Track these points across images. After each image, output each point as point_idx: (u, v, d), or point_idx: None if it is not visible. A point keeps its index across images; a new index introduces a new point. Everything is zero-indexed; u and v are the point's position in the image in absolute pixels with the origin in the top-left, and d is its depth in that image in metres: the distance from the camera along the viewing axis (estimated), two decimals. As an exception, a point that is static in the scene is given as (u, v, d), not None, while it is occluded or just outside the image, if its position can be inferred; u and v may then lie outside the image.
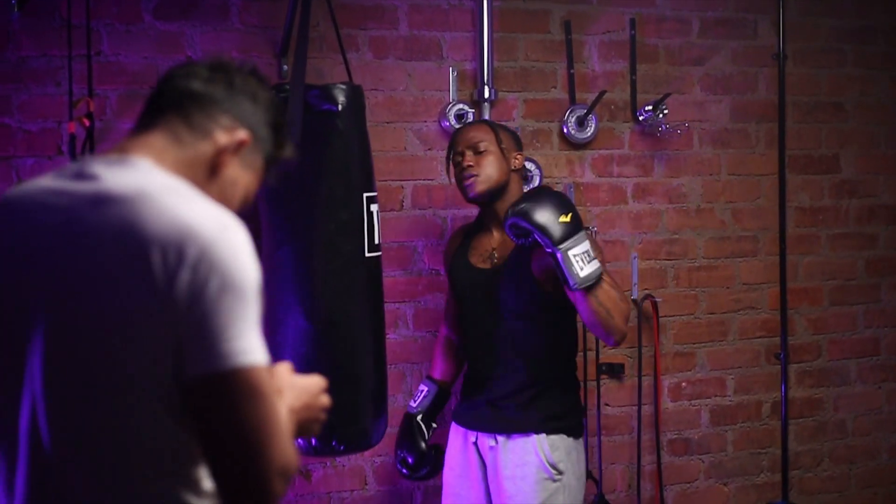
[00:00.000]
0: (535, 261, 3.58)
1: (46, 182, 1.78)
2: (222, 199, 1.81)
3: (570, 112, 4.46)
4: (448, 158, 3.81)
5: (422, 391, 3.87)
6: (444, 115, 4.26)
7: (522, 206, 3.38)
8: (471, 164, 3.67)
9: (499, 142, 3.71)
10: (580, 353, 4.41)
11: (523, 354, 3.66)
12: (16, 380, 1.70)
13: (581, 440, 3.73)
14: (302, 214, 3.44)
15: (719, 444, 4.79)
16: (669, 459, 4.69)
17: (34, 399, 1.68)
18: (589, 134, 4.49)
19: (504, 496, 3.63)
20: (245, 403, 1.63)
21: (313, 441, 3.42)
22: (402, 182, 4.26)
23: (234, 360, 1.62)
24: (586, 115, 4.45)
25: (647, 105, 4.54)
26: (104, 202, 1.67)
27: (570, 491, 3.64)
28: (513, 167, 3.73)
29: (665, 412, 4.67)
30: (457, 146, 3.75)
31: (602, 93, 4.39)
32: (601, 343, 4.49)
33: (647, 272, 4.64)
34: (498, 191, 3.69)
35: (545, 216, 3.35)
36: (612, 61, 4.57)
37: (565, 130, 4.47)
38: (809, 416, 4.95)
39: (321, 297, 3.42)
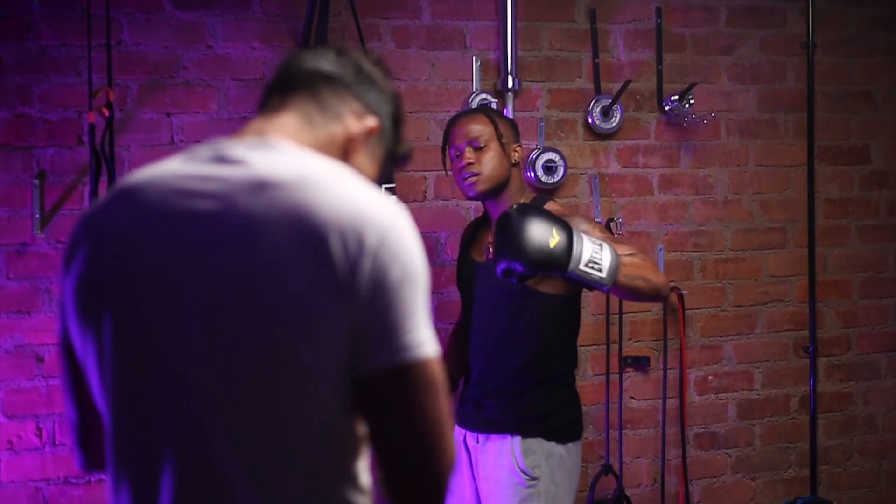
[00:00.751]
0: None
1: (178, 166, 1.67)
2: None
3: (595, 102, 4.42)
4: (444, 150, 3.64)
5: None
6: (467, 104, 4.23)
7: (505, 257, 3.07)
8: (471, 161, 3.49)
9: (499, 136, 3.53)
10: (604, 346, 4.40)
11: (507, 352, 3.52)
12: (165, 383, 1.60)
13: (570, 444, 3.51)
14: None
15: (746, 439, 4.73)
16: (695, 454, 4.64)
17: (189, 403, 1.59)
18: (614, 124, 4.45)
19: (483, 497, 3.55)
20: (424, 396, 1.57)
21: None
22: (425, 173, 4.23)
23: (415, 353, 1.56)
24: (611, 105, 4.41)
25: (674, 95, 4.49)
26: (266, 187, 1.58)
27: (546, 497, 3.44)
28: (513, 161, 3.58)
29: (691, 406, 4.62)
30: (454, 140, 3.56)
31: (627, 82, 4.34)
32: (626, 336, 4.45)
33: (674, 264, 4.59)
34: (499, 188, 3.53)
35: (537, 253, 3.03)
36: (638, 50, 4.52)
37: (590, 121, 4.43)
38: (838, 410, 4.88)
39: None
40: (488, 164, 3.49)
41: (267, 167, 1.61)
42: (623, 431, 4.48)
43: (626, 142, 4.51)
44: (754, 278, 4.72)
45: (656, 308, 4.54)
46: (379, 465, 1.62)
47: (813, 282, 4.77)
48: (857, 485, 4.92)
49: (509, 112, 4.26)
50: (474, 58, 4.27)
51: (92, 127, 3.64)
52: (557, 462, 3.47)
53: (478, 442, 3.56)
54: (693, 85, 4.47)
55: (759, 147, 4.72)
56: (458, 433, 3.62)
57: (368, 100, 1.79)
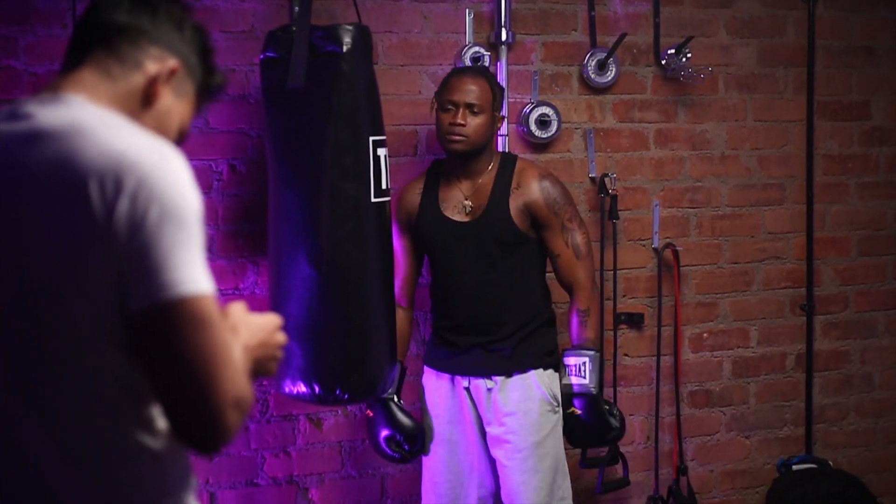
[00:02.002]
0: (512, 204, 3.75)
1: None
2: (159, 129, 1.78)
3: (591, 55, 4.36)
4: (438, 95, 3.80)
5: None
6: (459, 58, 4.17)
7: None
8: (463, 122, 3.70)
9: (494, 107, 3.77)
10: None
11: (512, 298, 3.80)
12: None
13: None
14: (306, 158, 3.38)
15: (741, 397, 4.71)
16: (689, 411, 4.62)
17: None
18: (610, 78, 4.39)
19: (507, 432, 3.74)
20: (191, 333, 1.58)
21: (317, 389, 3.38)
22: (417, 126, 4.18)
23: (178, 290, 1.57)
24: (607, 58, 4.35)
25: (671, 49, 4.43)
26: (38, 139, 1.64)
27: (561, 422, 3.83)
28: (496, 129, 3.87)
29: (685, 363, 4.59)
30: (453, 94, 3.73)
31: (623, 35, 4.29)
32: (620, 293, 4.43)
33: (669, 220, 4.55)
34: (476, 151, 3.77)
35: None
36: (635, 3, 4.46)
37: (585, 74, 4.37)
38: (835, 368, 4.86)
39: (325, 242, 3.36)
40: (477, 130, 3.72)
41: (45, 120, 1.66)
42: (617, 389, 4.44)
43: (622, 96, 4.45)
44: (751, 235, 4.68)
45: (651, 265, 4.51)
46: (160, 405, 1.65)
47: (811, 239, 4.73)
48: (852, 444, 4.90)
49: (503, 66, 4.20)
50: (467, 10, 4.20)
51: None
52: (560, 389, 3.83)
53: (495, 384, 3.78)
54: (690, 38, 4.40)
55: (758, 102, 4.66)
56: (458, 382, 3.82)
57: (167, 42, 1.82)
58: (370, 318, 3.46)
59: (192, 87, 1.87)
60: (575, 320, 3.82)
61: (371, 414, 3.74)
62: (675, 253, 4.49)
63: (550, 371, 3.82)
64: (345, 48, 3.35)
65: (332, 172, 3.36)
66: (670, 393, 4.56)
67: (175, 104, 1.83)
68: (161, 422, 1.69)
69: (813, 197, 4.73)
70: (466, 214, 3.79)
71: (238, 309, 1.86)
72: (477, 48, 4.17)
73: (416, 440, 3.74)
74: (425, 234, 3.82)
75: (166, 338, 1.59)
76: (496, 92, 3.80)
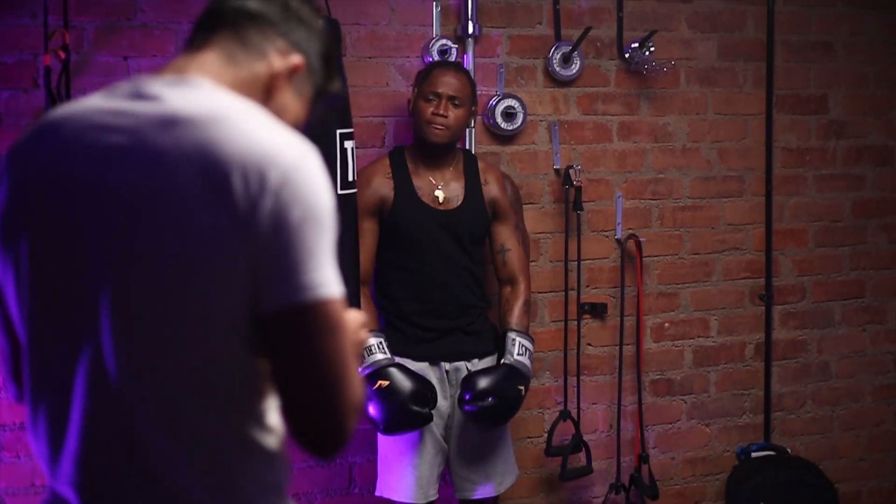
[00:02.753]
0: (486, 198, 3.97)
1: (98, 102, 1.68)
2: None
3: (556, 49, 4.41)
4: (418, 86, 3.90)
5: (377, 342, 3.77)
6: (427, 50, 4.20)
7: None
8: (445, 114, 3.83)
9: (472, 101, 3.93)
10: (562, 293, 4.43)
11: (476, 284, 3.99)
12: (75, 316, 1.62)
13: None
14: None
15: (702, 385, 4.78)
16: (651, 400, 4.69)
17: (98, 336, 1.60)
18: (574, 71, 4.44)
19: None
20: (325, 337, 1.56)
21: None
22: (384, 118, 4.21)
23: (316, 293, 1.55)
24: (572, 51, 4.39)
25: (634, 42, 4.49)
26: (174, 124, 1.59)
27: None
28: (469, 124, 4.07)
29: (647, 353, 4.66)
30: (437, 85, 3.85)
31: (588, 29, 4.33)
32: (584, 283, 4.48)
33: (632, 211, 4.60)
34: (452, 143, 3.94)
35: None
36: (599, -3, 4.51)
37: (550, 67, 4.41)
38: (793, 357, 4.93)
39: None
40: (457, 121, 3.87)
41: (179, 104, 1.62)
42: (580, 378, 4.50)
43: (586, 89, 4.51)
44: (711, 226, 4.75)
45: (614, 255, 4.56)
46: (283, 404, 1.62)
47: (769, 230, 4.80)
48: (809, 431, 4.98)
49: (469, 58, 4.25)
50: (434, 3, 4.24)
51: (48, 70, 3.60)
52: None
53: (472, 365, 3.94)
54: (653, 33, 4.45)
55: (718, 95, 4.73)
56: (441, 366, 3.92)
57: (294, 37, 1.79)
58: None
59: (311, 88, 1.82)
60: (517, 309, 3.98)
61: (386, 382, 3.71)
62: (638, 244, 4.55)
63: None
64: (315, 41, 3.37)
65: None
66: (632, 382, 4.62)
67: (292, 102, 1.79)
68: (272, 418, 1.67)
69: (772, 189, 4.79)
70: (440, 203, 3.89)
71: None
72: (444, 41, 4.21)
73: (434, 391, 3.77)
74: (402, 220, 3.87)
75: (300, 340, 1.56)
76: (473, 88, 3.96)
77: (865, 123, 4.97)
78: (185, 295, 1.56)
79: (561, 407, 4.46)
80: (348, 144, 3.49)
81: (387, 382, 3.71)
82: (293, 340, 1.57)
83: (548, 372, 4.50)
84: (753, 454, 4.74)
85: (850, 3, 4.90)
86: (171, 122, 1.59)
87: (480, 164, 4.03)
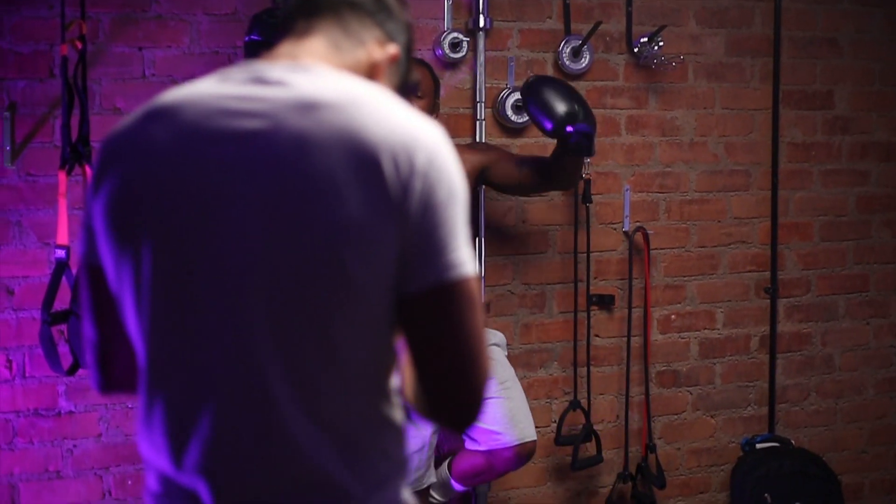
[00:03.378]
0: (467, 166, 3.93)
1: (216, 87, 1.66)
2: None
3: (566, 43, 4.44)
4: None
5: None
6: (438, 43, 4.24)
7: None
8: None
9: (436, 93, 3.87)
10: (571, 284, 4.47)
11: None
12: (213, 304, 1.60)
13: None
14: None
15: (707, 377, 4.82)
16: (658, 391, 4.72)
17: (239, 320, 1.58)
18: (584, 65, 4.47)
19: None
20: (468, 313, 1.60)
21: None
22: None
23: (461, 270, 1.59)
24: (581, 46, 4.43)
25: (643, 37, 4.52)
26: (314, 107, 1.59)
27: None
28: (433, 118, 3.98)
29: (654, 344, 4.70)
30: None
31: (597, 24, 4.36)
32: (592, 275, 4.51)
33: (639, 204, 4.64)
34: None
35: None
36: (608, -8, 4.55)
37: (560, 61, 4.45)
38: (797, 350, 4.97)
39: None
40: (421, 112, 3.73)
41: (311, 88, 1.61)
42: (589, 369, 4.54)
43: (595, 83, 4.54)
44: (718, 220, 4.78)
45: (622, 247, 4.60)
46: (420, 383, 1.64)
47: (775, 224, 4.84)
48: (813, 423, 5.02)
49: (480, 51, 4.28)
50: (446, -4, 4.28)
51: (65, 59, 3.62)
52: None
53: None
54: (662, 27, 4.49)
55: (726, 90, 4.76)
56: None
57: (389, 28, 1.81)
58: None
59: (398, 79, 1.85)
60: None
61: None
62: (646, 236, 4.58)
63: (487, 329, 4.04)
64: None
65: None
66: (639, 373, 4.66)
67: (387, 89, 1.78)
68: (396, 395, 1.68)
69: (777, 183, 4.83)
70: None
71: None
72: (455, 34, 4.23)
73: None
74: None
75: (447, 316, 1.59)
76: (436, 81, 3.91)
77: (870, 119, 5.01)
78: (337, 277, 1.56)
79: (569, 397, 4.50)
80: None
81: None
82: (439, 317, 1.60)
83: (556, 363, 4.53)
84: (758, 445, 4.78)
85: (856, 1, 4.94)
86: (309, 106, 1.59)
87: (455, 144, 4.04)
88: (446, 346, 1.61)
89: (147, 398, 1.66)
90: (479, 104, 4.32)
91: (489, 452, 3.93)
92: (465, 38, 4.25)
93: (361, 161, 1.55)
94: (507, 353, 4.12)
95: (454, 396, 1.64)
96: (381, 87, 1.70)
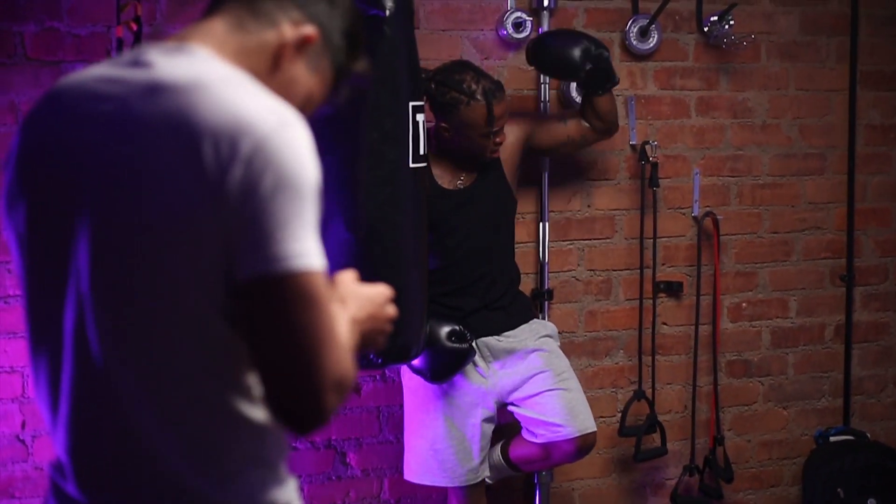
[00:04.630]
0: (504, 160, 3.91)
1: (101, 70, 1.69)
2: (282, 96, 1.69)
3: (633, 22, 4.34)
4: (479, 121, 3.73)
5: None
6: (501, 23, 4.16)
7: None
8: (502, 142, 3.83)
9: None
10: (637, 271, 4.39)
11: (503, 260, 3.98)
12: (62, 279, 1.63)
13: None
14: (345, 122, 3.36)
15: (779, 367, 4.69)
16: (727, 381, 4.61)
17: (80, 300, 1.61)
18: (652, 45, 4.37)
19: (539, 364, 3.87)
20: (298, 310, 1.52)
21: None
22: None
23: (288, 264, 1.52)
24: (649, 25, 4.32)
25: (713, 16, 4.40)
26: (157, 91, 1.58)
27: None
28: None
29: (724, 333, 4.58)
30: (498, 117, 3.75)
31: (666, 2, 4.25)
32: (659, 261, 4.42)
33: (709, 189, 4.53)
34: None
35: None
36: (678, -31, 4.43)
37: (627, 41, 4.35)
38: (874, 340, 4.83)
39: (363, 206, 3.35)
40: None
41: (167, 71, 1.61)
42: (655, 357, 4.45)
43: (664, 63, 4.43)
44: (791, 205, 4.65)
45: (690, 233, 4.49)
46: (260, 379, 1.60)
47: (851, 209, 4.70)
48: (890, 416, 4.88)
49: (544, 31, 4.18)
50: (510, -25, 4.19)
51: (120, 41, 3.60)
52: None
53: (501, 339, 3.90)
54: (733, 5, 4.37)
55: (800, 71, 4.62)
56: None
57: (312, 10, 1.75)
58: (406, 282, 3.45)
59: (330, 64, 1.79)
60: None
61: None
62: (716, 221, 4.47)
63: (538, 319, 4.09)
64: (388, 12, 3.33)
65: (372, 136, 3.34)
66: (708, 362, 4.55)
67: (305, 76, 1.75)
68: (259, 389, 1.64)
69: (854, 167, 4.70)
70: (458, 185, 3.88)
71: (347, 279, 1.82)
72: (519, 13, 4.15)
73: (466, 326, 3.75)
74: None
75: (271, 312, 1.53)
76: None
77: (953, 100, 4.84)
78: (158, 263, 1.56)
79: (635, 387, 4.40)
80: (419, 117, 3.45)
81: None
82: (264, 312, 1.54)
83: (621, 351, 4.44)
84: (832, 438, 4.66)
85: (939, -24, 4.77)
86: (154, 90, 1.59)
87: None
88: (275, 342, 1.55)
89: (33, 366, 1.74)
90: (543, 85, 4.24)
91: (548, 444, 3.87)
92: (528, 18, 4.17)
93: (183, 145, 1.54)
94: (559, 344, 4.04)
95: (287, 397, 1.58)
96: (240, 73, 1.66)
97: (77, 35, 3.81)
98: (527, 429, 3.90)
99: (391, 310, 1.84)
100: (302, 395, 1.56)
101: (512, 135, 3.91)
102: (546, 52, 3.92)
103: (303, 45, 1.74)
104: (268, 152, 1.52)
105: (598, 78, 3.87)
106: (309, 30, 1.73)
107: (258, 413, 1.64)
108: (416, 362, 3.68)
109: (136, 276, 1.57)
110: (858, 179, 4.71)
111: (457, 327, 3.69)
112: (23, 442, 3.87)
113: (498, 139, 3.77)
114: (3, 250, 3.73)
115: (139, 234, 1.56)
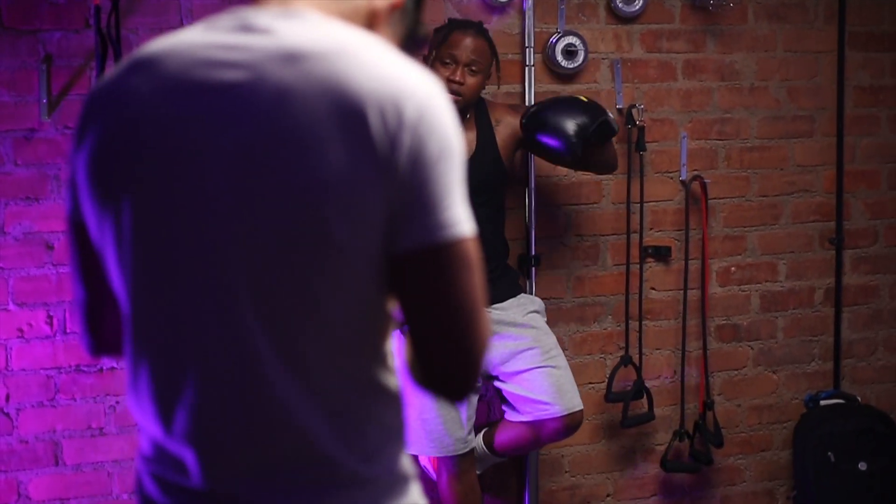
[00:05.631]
0: (499, 141, 3.89)
1: (200, 36, 1.58)
2: None
3: (618, -16, 4.30)
4: (435, 47, 3.77)
5: None
6: (486, -13, 4.13)
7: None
8: (461, 81, 3.73)
9: (488, 70, 3.84)
10: (624, 236, 4.35)
11: (493, 236, 3.93)
12: (195, 267, 1.54)
13: None
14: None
15: (769, 331, 4.67)
16: (716, 346, 4.59)
17: (220, 285, 1.52)
18: (637, 7, 4.33)
19: (527, 341, 3.87)
20: (464, 275, 1.51)
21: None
22: (441, 57, 4.13)
23: (455, 230, 1.50)
24: (635, -13, 4.28)
25: (700, -23, 4.36)
26: (298, 58, 1.50)
27: None
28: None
29: (713, 297, 4.56)
30: (455, 49, 3.74)
31: (651, -36, 4.21)
32: (647, 225, 4.39)
33: (697, 152, 4.49)
34: (465, 109, 3.82)
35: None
36: (663, -69, 4.39)
37: (613, 4, 4.31)
38: (864, 303, 4.81)
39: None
40: (472, 89, 3.79)
41: (296, 37, 1.53)
42: (642, 322, 4.42)
43: (650, 26, 4.39)
44: (780, 168, 4.62)
45: (678, 197, 4.46)
46: (414, 347, 1.57)
47: (840, 172, 4.68)
48: (880, 379, 4.87)
49: (529, -6, 4.16)
50: (493, -62, 4.14)
51: (98, 9, 3.56)
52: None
53: (491, 311, 3.83)
54: (720, -34, 4.32)
55: (788, 32, 4.58)
56: None
57: None
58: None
59: (403, 29, 1.76)
60: None
61: None
62: (703, 185, 4.44)
63: (525, 294, 4.07)
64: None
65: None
66: (697, 327, 4.53)
67: (388, 40, 1.71)
68: (393, 359, 1.62)
69: (843, 129, 4.67)
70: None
71: None
72: (502, -24, 4.11)
73: None
74: None
75: (438, 279, 1.51)
76: (494, 53, 3.87)
77: (943, 60, 4.81)
78: (319, 235, 1.49)
79: (622, 352, 4.38)
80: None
81: None
82: (431, 280, 1.52)
83: (609, 316, 4.42)
84: (822, 402, 4.64)
85: (928, -65, 4.73)
86: (292, 57, 1.51)
87: (489, 106, 3.95)
88: (439, 310, 1.52)
89: (132, 361, 1.61)
90: (528, 49, 4.19)
91: (535, 423, 3.87)
92: (513, -19, 4.13)
93: (346, 114, 1.47)
94: (545, 319, 4.02)
95: (448, 364, 1.56)
96: (376, 37, 1.61)
97: (55, 3, 3.77)
98: (513, 406, 3.89)
99: None
100: (463, 358, 1.55)
101: (512, 126, 3.91)
102: (539, 133, 3.78)
103: (391, 10, 1.71)
104: (431, 118, 1.50)
105: (599, 138, 3.79)
106: None
107: (394, 382, 1.62)
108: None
109: (294, 252, 1.50)
110: (847, 141, 4.67)
111: None
112: (7, 415, 3.84)
113: (451, 75, 3.71)
114: (-18, 222, 3.69)
115: (297, 205, 1.49)
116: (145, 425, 1.63)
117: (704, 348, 4.50)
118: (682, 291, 4.48)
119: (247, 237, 1.50)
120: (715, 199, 4.52)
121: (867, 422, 4.56)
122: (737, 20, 4.50)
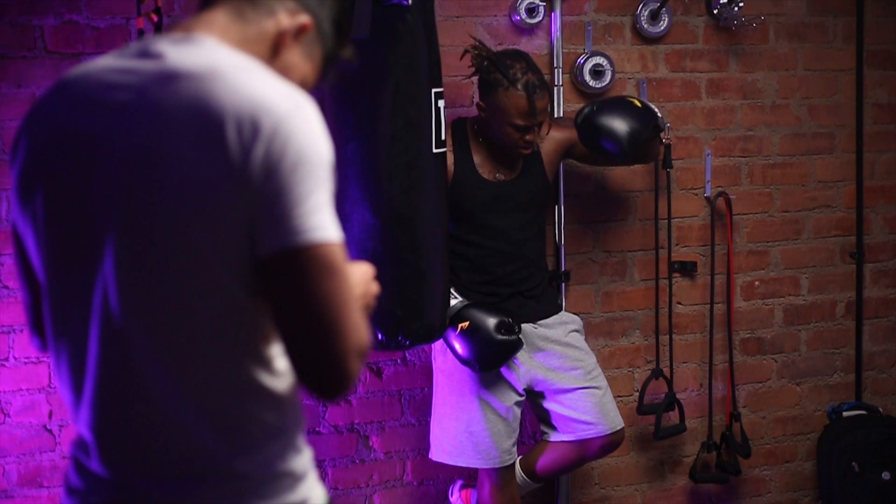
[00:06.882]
0: (545, 158, 3.97)
1: (109, 61, 1.75)
2: None
3: (643, 6, 4.37)
4: (509, 109, 3.73)
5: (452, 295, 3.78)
6: (514, 9, 4.20)
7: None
8: (534, 140, 3.79)
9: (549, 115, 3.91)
10: (652, 251, 4.43)
11: (537, 253, 4.04)
12: (86, 265, 1.69)
13: None
14: (370, 110, 3.40)
15: (792, 344, 4.74)
16: (741, 359, 4.65)
17: (105, 283, 1.67)
18: (662, 28, 4.40)
19: (570, 360, 3.95)
20: (320, 280, 1.60)
21: (380, 336, 3.43)
22: (473, 78, 4.18)
23: (308, 236, 1.59)
24: (660, 8, 4.36)
25: (722, -2, 4.44)
26: (173, 79, 1.65)
27: None
28: None
29: (738, 311, 4.63)
30: (534, 117, 3.72)
31: (676, -15, 4.29)
32: (673, 241, 4.46)
33: (721, 169, 4.56)
34: None
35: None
36: (687, -47, 4.46)
37: (638, 24, 4.38)
38: (885, 316, 4.87)
39: (388, 192, 3.39)
40: (539, 137, 3.82)
41: (179, 60, 1.68)
42: (672, 337, 4.49)
43: (675, 46, 4.47)
44: (802, 184, 4.69)
45: (703, 213, 4.53)
46: (285, 350, 1.66)
47: (860, 187, 4.74)
48: (902, 390, 4.93)
49: (557, 16, 4.23)
50: (522, -39, 4.22)
51: (140, 33, 3.62)
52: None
53: (536, 327, 3.96)
54: (742, -12, 4.41)
55: (808, 51, 4.66)
56: None
57: (306, 0, 1.83)
58: (430, 265, 3.49)
59: (321, 52, 1.87)
60: None
61: (467, 323, 3.72)
62: (728, 201, 4.51)
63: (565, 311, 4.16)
64: (409, 1, 3.37)
65: (395, 123, 3.38)
66: (723, 340, 4.60)
67: (299, 63, 1.83)
68: (280, 362, 1.72)
69: (862, 146, 4.73)
70: (498, 176, 3.91)
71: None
72: (531, -1, 4.19)
73: (513, 318, 3.78)
74: (460, 195, 3.84)
75: (295, 283, 1.60)
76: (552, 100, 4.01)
77: (959, 78, 4.88)
78: (182, 243, 1.62)
79: (651, 366, 4.45)
80: (440, 103, 3.48)
81: (468, 323, 3.72)
82: (289, 284, 1.61)
83: (637, 331, 4.49)
84: (844, 413, 4.70)
85: (944, -45, 4.81)
86: (170, 78, 1.66)
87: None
88: (300, 313, 1.62)
89: (54, 354, 1.79)
90: (556, 70, 4.27)
91: (579, 443, 3.94)
92: (541, 3, 4.20)
93: (206, 129, 1.61)
94: (584, 338, 4.10)
95: (313, 365, 1.65)
96: (251, 59, 1.74)
97: (96, 27, 3.84)
98: (555, 427, 3.97)
99: (375, 287, 1.91)
100: (328, 361, 1.63)
101: (560, 134, 3.98)
102: (595, 135, 3.87)
103: (299, 33, 1.82)
104: (287, 131, 1.60)
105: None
106: (304, 18, 1.81)
107: (278, 384, 1.73)
108: (463, 353, 3.72)
109: (162, 257, 1.64)
110: (867, 157, 4.74)
111: (505, 319, 3.72)
112: (50, 431, 3.91)
113: (528, 137, 3.76)
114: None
115: (163, 215, 1.63)
116: (67, 410, 1.82)
117: (731, 361, 4.56)
118: (708, 306, 4.55)
119: (127, 245, 1.66)
120: (739, 214, 4.59)
121: (890, 432, 4.61)
122: (758, 40, 4.57)
